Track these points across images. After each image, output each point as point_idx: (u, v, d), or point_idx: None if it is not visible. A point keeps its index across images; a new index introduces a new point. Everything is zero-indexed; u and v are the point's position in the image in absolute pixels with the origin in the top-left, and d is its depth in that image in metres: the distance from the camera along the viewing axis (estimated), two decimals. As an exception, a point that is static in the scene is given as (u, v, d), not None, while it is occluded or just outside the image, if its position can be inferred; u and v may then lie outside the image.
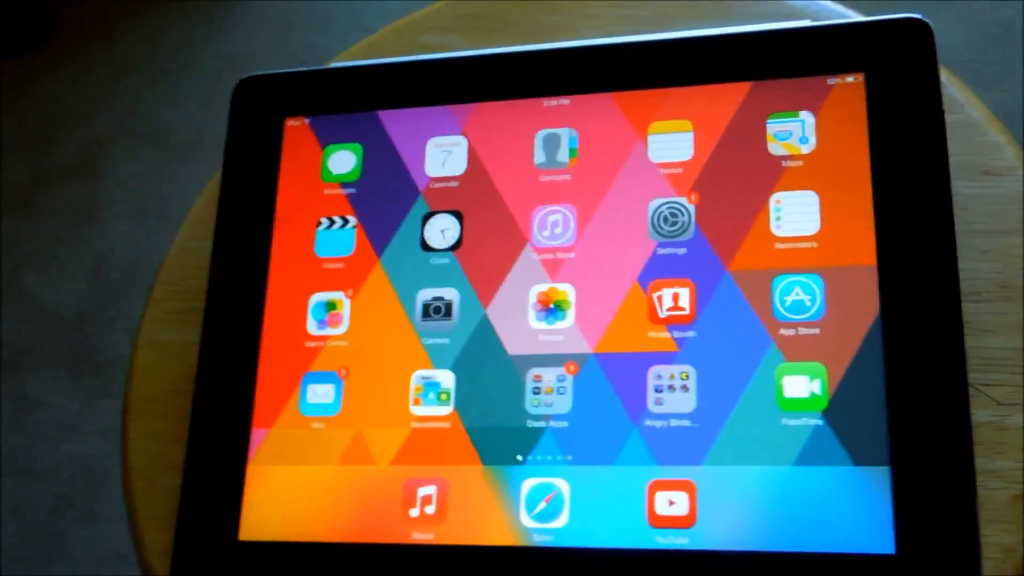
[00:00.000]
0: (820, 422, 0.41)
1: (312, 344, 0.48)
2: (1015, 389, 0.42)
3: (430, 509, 0.44)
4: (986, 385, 0.42)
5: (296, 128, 0.51)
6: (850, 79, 0.45)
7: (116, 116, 1.63)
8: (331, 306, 0.48)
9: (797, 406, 0.42)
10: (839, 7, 0.52)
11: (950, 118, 0.48)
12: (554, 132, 0.48)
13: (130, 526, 0.49)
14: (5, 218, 1.63)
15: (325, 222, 0.49)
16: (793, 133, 0.45)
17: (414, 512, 0.44)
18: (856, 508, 0.40)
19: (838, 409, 0.41)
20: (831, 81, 0.45)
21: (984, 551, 0.40)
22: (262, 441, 0.47)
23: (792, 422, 0.42)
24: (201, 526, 0.46)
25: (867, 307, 0.42)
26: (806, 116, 0.45)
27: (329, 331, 0.48)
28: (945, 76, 0.50)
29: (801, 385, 0.42)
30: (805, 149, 0.45)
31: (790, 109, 0.45)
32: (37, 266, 1.56)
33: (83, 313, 1.45)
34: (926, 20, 0.45)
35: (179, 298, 0.54)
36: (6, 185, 1.68)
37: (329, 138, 0.50)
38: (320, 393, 0.47)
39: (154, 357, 0.53)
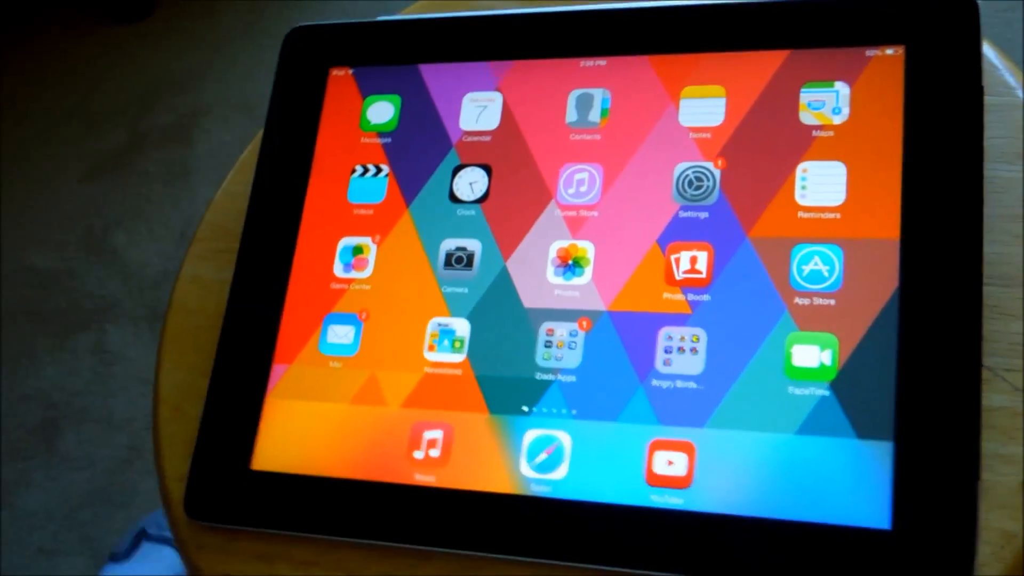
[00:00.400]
0: (827, 393, 0.41)
1: (337, 286, 0.49)
2: (1036, 377, 0.41)
3: (434, 452, 0.45)
4: (1007, 370, 0.41)
5: (340, 78, 0.52)
6: (890, 51, 0.44)
7: (213, 87, 1.68)
8: (358, 250, 0.49)
9: (805, 375, 0.41)
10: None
11: (997, 100, 0.47)
12: (588, 92, 0.48)
13: (155, 452, 0.51)
14: (102, 178, 1.69)
15: (359, 169, 0.50)
16: (826, 103, 0.44)
17: (419, 454, 0.45)
18: (855, 481, 0.39)
19: (846, 381, 0.41)
20: (870, 52, 0.44)
21: (984, 535, 0.39)
22: (281, 376, 0.48)
23: (798, 391, 0.41)
24: (217, 453, 0.47)
25: (886, 281, 0.41)
26: (841, 87, 0.44)
27: (354, 274, 0.49)
28: (996, 57, 0.48)
29: (811, 355, 0.41)
30: (837, 120, 0.44)
31: (826, 79, 0.45)
32: (127, 226, 1.62)
33: (167, 273, 1.50)
34: (973, -5, 0.44)
35: (221, 239, 0.55)
36: (105, 147, 1.75)
37: (370, 89, 0.51)
38: (340, 334, 0.48)
39: (194, 293, 0.54)
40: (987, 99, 0.47)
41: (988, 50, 0.49)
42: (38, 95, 1.89)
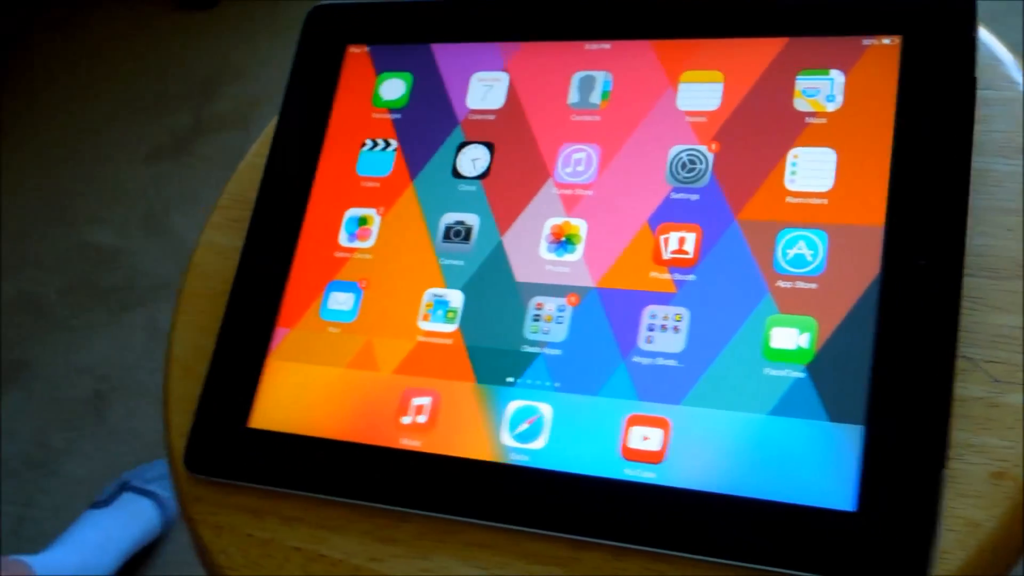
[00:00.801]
0: (802, 375, 0.41)
1: (340, 255, 0.50)
2: (1015, 368, 0.41)
3: (421, 418, 0.46)
4: (987, 361, 0.41)
5: (356, 55, 0.54)
6: (886, 41, 0.44)
7: (272, 75, 1.72)
8: (363, 221, 0.50)
9: (782, 357, 0.42)
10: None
11: (999, 94, 0.47)
12: (590, 74, 0.49)
13: (163, 408, 0.53)
14: (164, 160, 1.74)
15: (369, 143, 0.52)
16: (821, 91, 0.45)
17: (406, 419, 0.46)
18: (824, 463, 0.40)
19: (822, 364, 0.41)
20: (866, 42, 0.45)
21: (950, 523, 0.39)
22: (283, 339, 0.50)
23: (774, 372, 0.41)
24: (217, 411, 0.49)
25: (868, 268, 0.41)
26: (836, 75, 0.45)
27: (358, 244, 0.50)
28: (1001, 51, 0.48)
29: (790, 337, 0.42)
30: (831, 107, 0.44)
31: (822, 67, 0.45)
32: (185, 208, 1.66)
33: (219, 255, 1.53)
34: (973, -12, 0.44)
35: (240, 207, 0.57)
36: (169, 130, 1.80)
37: (384, 66, 0.53)
38: (340, 300, 0.49)
39: (210, 258, 0.56)
40: (990, 93, 0.47)
41: (993, 44, 0.49)
42: (110, 76, 1.95)
